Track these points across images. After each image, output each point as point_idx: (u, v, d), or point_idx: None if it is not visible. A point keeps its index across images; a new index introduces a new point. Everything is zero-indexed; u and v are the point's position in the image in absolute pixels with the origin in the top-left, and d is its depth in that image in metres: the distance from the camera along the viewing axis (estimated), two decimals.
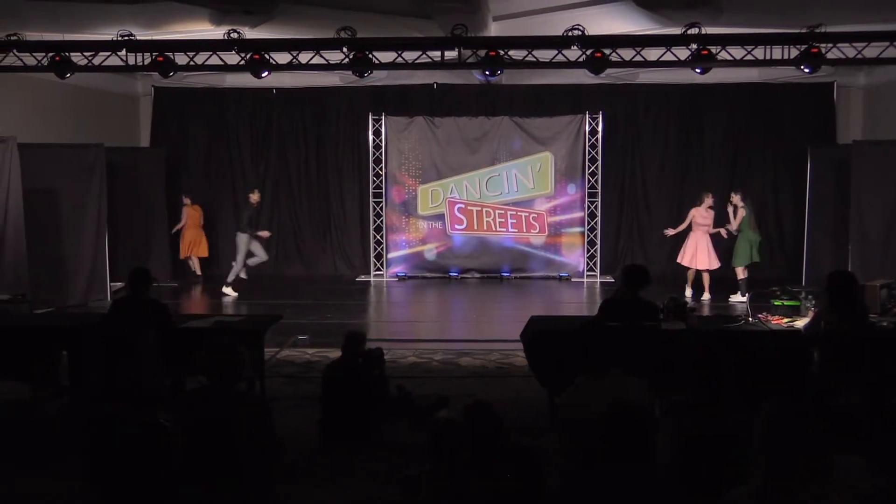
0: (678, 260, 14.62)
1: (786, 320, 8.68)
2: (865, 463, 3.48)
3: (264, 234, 15.68)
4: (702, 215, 14.35)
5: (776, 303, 10.46)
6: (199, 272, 17.22)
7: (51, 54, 10.83)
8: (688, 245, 14.42)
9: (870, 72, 16.48)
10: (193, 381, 7.35)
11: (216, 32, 11.52)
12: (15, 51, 10.66)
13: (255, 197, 15.41)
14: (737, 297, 13.80)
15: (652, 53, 11.03)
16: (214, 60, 11.04)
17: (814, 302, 9.06)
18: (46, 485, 6.00)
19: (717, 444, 4.33)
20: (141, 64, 10.93)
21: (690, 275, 14.40)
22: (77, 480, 3.61)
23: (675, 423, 4.65)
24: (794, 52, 10.35)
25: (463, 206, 17.31)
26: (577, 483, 3.73)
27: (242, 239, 15.12)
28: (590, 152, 17.00)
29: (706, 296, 14.25)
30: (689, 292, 14.15)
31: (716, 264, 14.34)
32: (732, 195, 14.35)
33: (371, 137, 17.32)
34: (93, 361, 7.53)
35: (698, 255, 14.26)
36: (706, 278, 14.33)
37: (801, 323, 8.45)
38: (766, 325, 8.52)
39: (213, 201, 18.26)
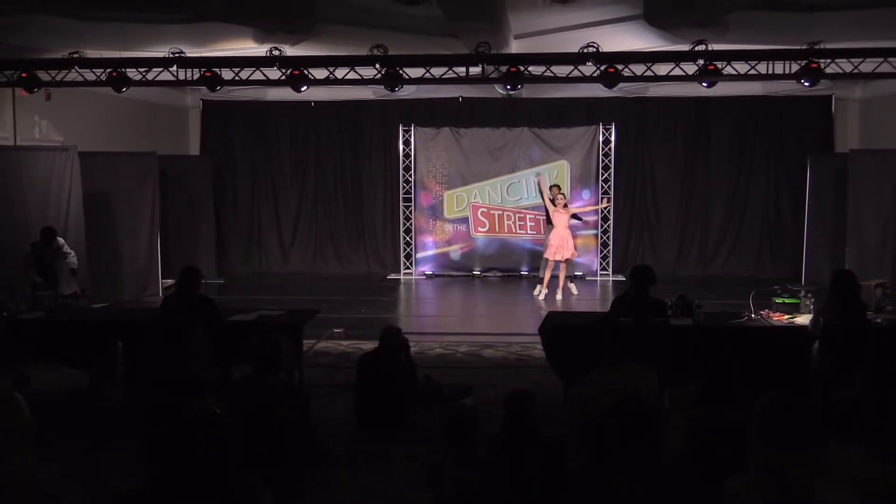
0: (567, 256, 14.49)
1: (786, 317, 8.63)
2: (863, 453, 3.44)
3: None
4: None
5: (777, 300, 10.36)
6: None
7: (108, 70, 10.91)
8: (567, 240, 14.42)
9: (866, 85, 16.31)
10: (239, 370, 7.42)
11: (259, 50, 11.57)
12: (76, 67, 10.76)
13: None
14: None
15: (662, 69, 10.98)
16: (258, 76, 11.09)
17: (812, 300, 9.00)
18: (108, 463, 6.05)
19: (722, 434, 4.30)
20: (190, 79, 10.99)
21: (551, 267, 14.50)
22: (135, 460, 3.64)
23: (684, 414, 4.63)
24: (795, 67, 10.27)
25: (485, 210, 17.30)
26: (592, 470, 3.72)
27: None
28: (603, 160, 16.93)
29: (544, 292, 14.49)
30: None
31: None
32: None
33: (401, 147, 17.35)
34: (147, 352, 7.59)
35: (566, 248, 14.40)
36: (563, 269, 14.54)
37: (801, 319, 8.41)
38: (767, 322, 8.48)
39: (256, 205, 18.37)
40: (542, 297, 14.47)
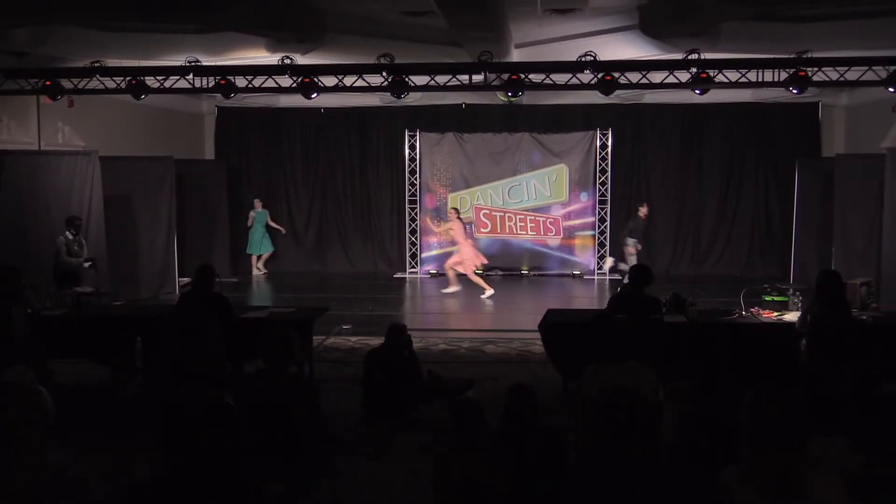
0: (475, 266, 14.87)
1: (775, 314, 8.63)
2: (849, 444, 3.43)
3: (637, 247, 15.09)
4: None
5: (767, 298, 10.36)
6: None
7: (128, 78, 10.94)
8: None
9: (851, 93, 16.29)
10: (251, 365, 7.41)
11: (271, 59, 11.57)
12: (98, 76, 10.78)
13: (644, 210, 15.25)
14: None
15: (656, 76, 10.96)
16: (270, 83, 11.11)
17: (800, 298, 8.99)
18: (126, 453, 6.05)
19: (714, 426, 4.29)
20: (206, 86, 11.00)
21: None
22: (154, 450, 3.65)
23: (678, 407, 4.62)
24: (784, 75, 10.26)
25: (488, 211, 17.30)
26: (591, 459, 3.71)
27: (630, 242, 14.92)
28: (600, 164, 16.92)
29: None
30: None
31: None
32: None
33: (407, 151, 17.35)
34: (164, 348, 7.59)
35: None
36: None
37: (789, 316, 8.39)
38: (758, 318, 8.46)
39: (268, 206, 18.37)
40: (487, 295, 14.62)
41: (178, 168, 14.71)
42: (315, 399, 5.19)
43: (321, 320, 9.23)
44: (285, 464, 4.70)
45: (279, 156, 18.49)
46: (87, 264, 11.31)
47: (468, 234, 15.03)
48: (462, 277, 14.83)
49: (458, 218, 14.96)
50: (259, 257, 17.52)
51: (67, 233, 11.13)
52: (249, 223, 17.34)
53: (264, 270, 17.56)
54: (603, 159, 16.91)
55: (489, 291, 14.52)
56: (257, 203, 17.40)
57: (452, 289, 14.91)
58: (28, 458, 3.08)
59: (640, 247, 15.22)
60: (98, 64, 10.75)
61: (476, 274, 14.79)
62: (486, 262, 15.20)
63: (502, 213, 17.25)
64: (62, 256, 10.94)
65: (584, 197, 17.09)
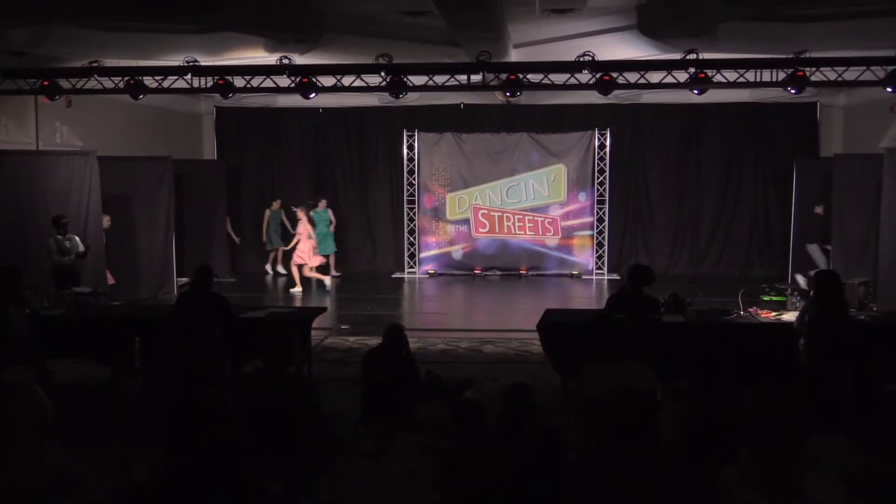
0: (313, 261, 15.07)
1: (774, 314, 8.64)
2: (848, 444, 3.44)
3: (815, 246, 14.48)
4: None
5: (765, 298, 10.37)
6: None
7: (126, 78, 10.94)
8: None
9: (849, 93, 16.30)
10: (251, 365, 7.41)
11: (270, 59, 11.57)
12: (96, 76, 10.77)
13: (819, 209, 14.70)
14: None
15: (654, 76, 10.97)
16: (268, 83, 11.10)
17: (799, 298, 9.00)
18: (126, 453, 6.04)
19: (713, 425, 4.30)
20: (204, 86, 11.00)
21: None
22: (154, 450, 3.64)
23: (678, 407, 4.63)
24: (782, 75, 10.27)
25: (486, 211, 17.30)
26: (590, 459, 3.71)
27: (812, 248, 14.44)
28: (599, 164, 16.92)
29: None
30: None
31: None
32: None
33: (405, 151, 17.35)
34: (164, 348, 7.60)
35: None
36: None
37: (787, 316, 8.40)
38: (756, 318, 8.47)
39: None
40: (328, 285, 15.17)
41: (176, 168, 14.69)
42: (315, 399, 5.19)
43: (320, 320, 9.22)
44: (285, 464, 4.71)
45: (278, 156, 18.47)
46: (86, 249, 11.29)
47: (309, 232, 15.23)
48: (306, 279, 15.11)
49: (307, 214, 15.23)
50: (326, 258, 17.18)
51: (57, 234, 11.09)
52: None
53: (336, 274, 16.85)
54: (601, 159, 16.92)
55: (328, 280, 15.09)
56: (321, 203, 16.94)
57: (297, 289, 14.98)
58: (28, 458, 3.08)
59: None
60: (96, 64, 10.75)
61: (315, 271, 15.09)
62: (322, 261, 15.43)
63: (500, 213, 17.25)
64: (54, 256, 10.90)
65: (582, 197, 17.09)
